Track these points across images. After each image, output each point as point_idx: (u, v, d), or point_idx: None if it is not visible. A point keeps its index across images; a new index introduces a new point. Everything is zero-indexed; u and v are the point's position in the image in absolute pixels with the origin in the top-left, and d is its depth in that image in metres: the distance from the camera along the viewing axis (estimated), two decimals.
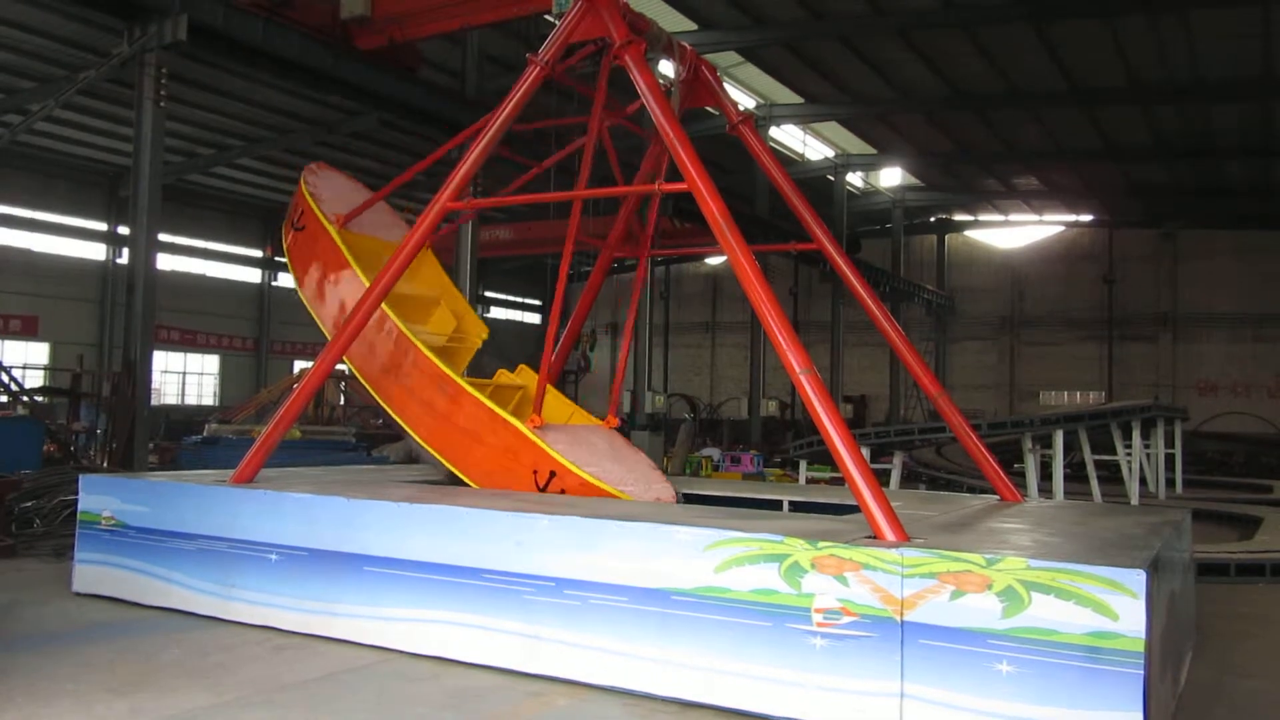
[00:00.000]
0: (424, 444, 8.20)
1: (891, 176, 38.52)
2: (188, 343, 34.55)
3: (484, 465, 7.90)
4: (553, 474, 7.60)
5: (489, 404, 7.96)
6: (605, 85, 8.58)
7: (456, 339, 9.76)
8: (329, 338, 8.63)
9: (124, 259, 23.38)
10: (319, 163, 10.13)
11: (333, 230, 8.84)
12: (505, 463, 7.79)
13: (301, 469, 10.19)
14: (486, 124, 8.20)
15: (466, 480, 8.04)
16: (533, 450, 7.70)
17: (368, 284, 8.30)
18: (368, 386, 8.60)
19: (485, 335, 10.00)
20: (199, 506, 7.50)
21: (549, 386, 8.98)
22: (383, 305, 8.23)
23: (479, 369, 10.95)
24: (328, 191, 9.38)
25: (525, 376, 9.77)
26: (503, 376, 9.80)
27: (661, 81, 8.91)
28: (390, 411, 8.44)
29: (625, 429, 10.29)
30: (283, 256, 35.46)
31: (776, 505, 8.36)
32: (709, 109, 9.98)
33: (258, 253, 36.96)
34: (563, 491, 7.57)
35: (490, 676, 5.93)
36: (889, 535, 5.47)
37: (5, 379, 16.04)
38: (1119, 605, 4.56)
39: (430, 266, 10.00)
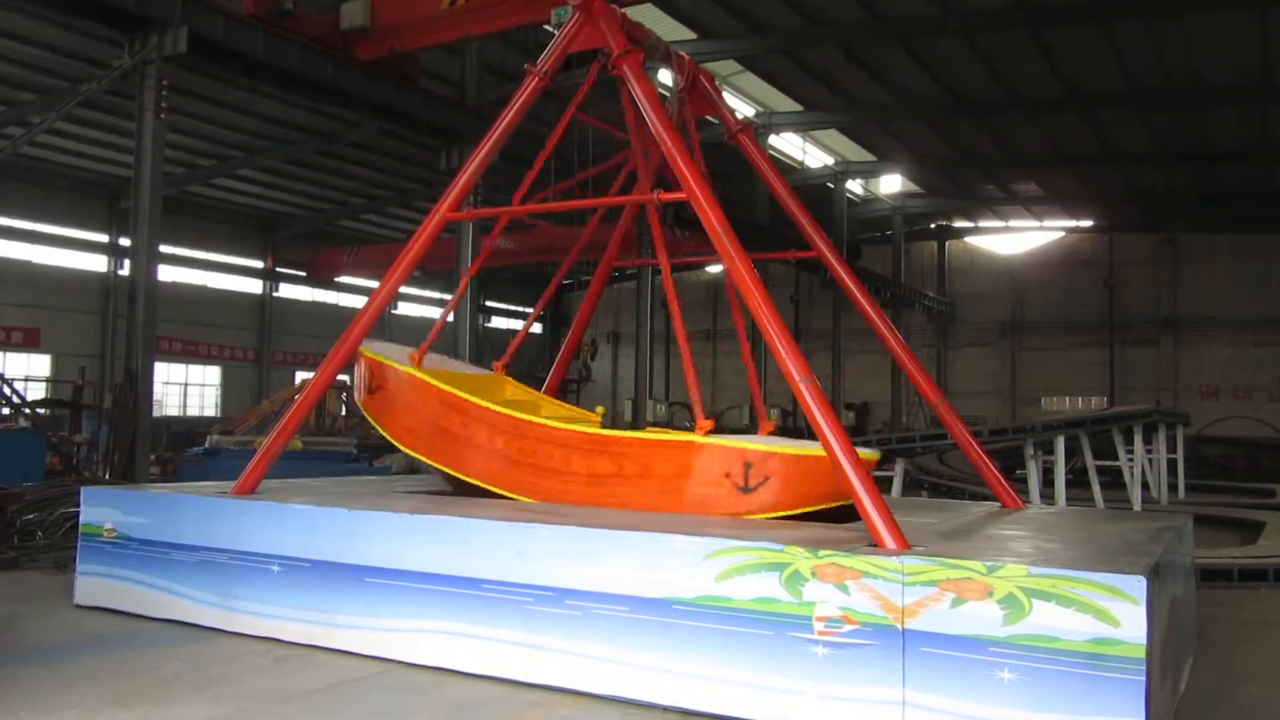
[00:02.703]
0: (610, 505, 7.47)
1: (891, 183, 38.58)
2: (189, 354, 34.56)
3: (673, 497, 7.27)
4: (748, 464, 7.01)
5: (659, 436, 7.62)
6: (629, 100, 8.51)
7: (577, 418, 9.15)
8: (458, 474, 8.17)
9: (125, 270, 23.37)
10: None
11: (415, 371, 8.50)
12: (692, 482, 7.19)
13: (303, 480, 10.20)
14: (487, 135, 8.22)
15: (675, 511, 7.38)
16: (718, 454, 7.16)
17: (471, 398, 8.04)
18: (506, 491, 7.90)
19: (602, 411, 9.41)
20: (201, 518, 7.51)
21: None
22: (491, 407, 7.97)
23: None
24: (385, 351, 9.16)
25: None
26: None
27: (664, 94, 8.94)
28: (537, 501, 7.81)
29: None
30: (283, 267, 35.29)
31: None
32: (708, 117, 9.99)
33: (259, 263, 36.97)
34: (766, 479, 6.96)
35: (492, 687, 5.93)
36: (890, 543, 5.47)
37: (7, 391, 16.07)
38: (1120, 612, 4.56)
39: (514, 387, 9.69)
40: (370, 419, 9.17)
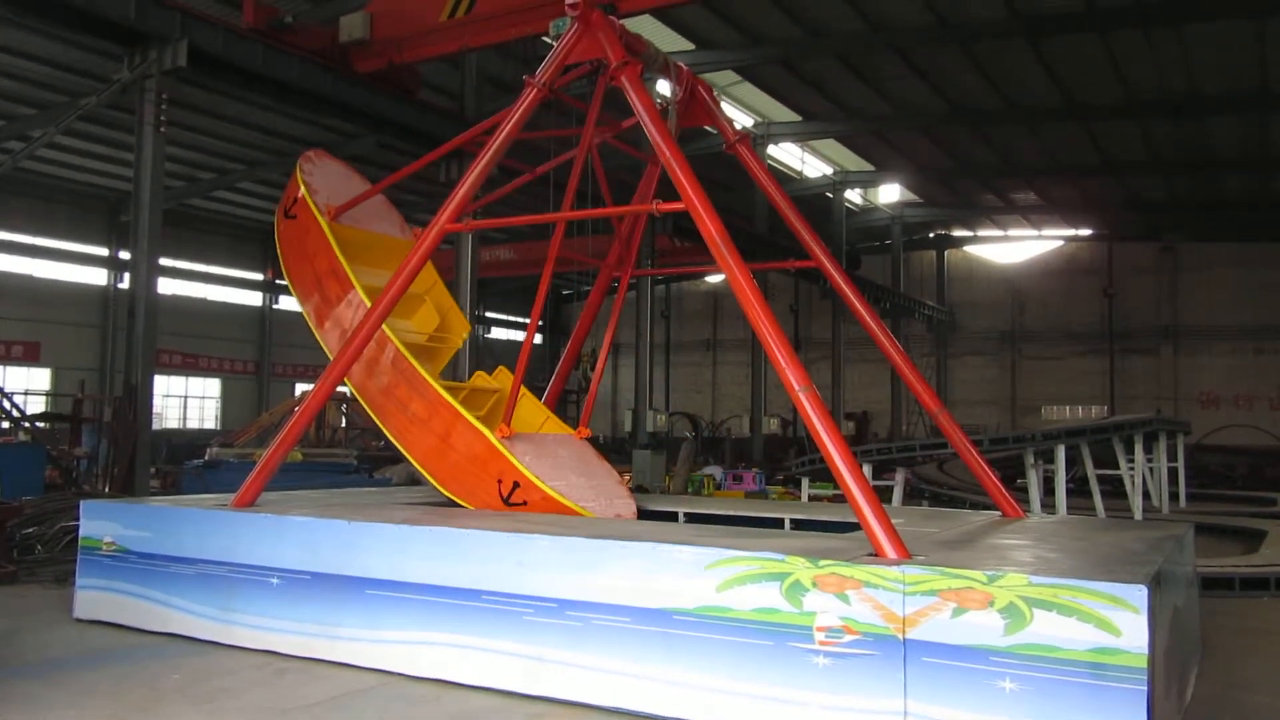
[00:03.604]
0: (400, 447, 8.19)
1: (890, 193, 38.61)
2: (189, 366, 34.57)
3: (454, 473, 7.92)
4: (516, 485, 7.60)
5: (461, 410, 7.95)
6: (598, 105, 8.61)
7: (438, 338, 9.68)
8: (314, 329, 8.66)
9: (125, 284, 23.41)
10: (317, 150, 10.10)
11: (324, 222, 8.78)
12: (473, 471, 7.79)
13: (303, 492, 10.19)
14: (485, 144, 8.24)
15: (438, 486, 8.05)
16: (499, 460, 7.71)
17: (354, 279, 8.36)
18: (349, 387, 8.59)
19: (467, 332, 9.95)
20: (200, 531, 7.49)
21: (524, 391, 8.98)
22: (364, 298, 8.31)
23: None
24: (323, 181, 9.33)
25: (502, 379, 9.70)
26: (479, 379, 9.76)
27: (658, 101, 8.96)
28: (369, 411, 8.44)
29: (597, 441, 10.38)
30: (284, 279, 35.53)
31: (778, 523, 8.36)
32: (706, 128, 10.02)
33: (259, 275, 37.01)
34: (524, 504, 7.57)
35: (491, 699, 5.91)
36: (890, 553, 5.46)
37: (7, 405, 16.06)
38: (1121, 621, 4.55)
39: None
40: (276, 242, 9.29)
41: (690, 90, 9.01)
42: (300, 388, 36.52)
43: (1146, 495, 16.89)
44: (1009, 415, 41.41)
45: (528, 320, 52.04)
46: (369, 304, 8.28)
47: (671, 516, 8.60)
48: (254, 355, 37.32)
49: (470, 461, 7.81)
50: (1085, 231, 41.04)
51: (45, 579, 9.63)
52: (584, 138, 8.68)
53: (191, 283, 34.48)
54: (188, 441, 27.85)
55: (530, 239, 33.13)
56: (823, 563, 5.26)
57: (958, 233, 43.29)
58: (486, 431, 7.78)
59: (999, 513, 8.49)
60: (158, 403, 29.93)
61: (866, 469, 14.36)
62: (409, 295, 9.53)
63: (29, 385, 29.86)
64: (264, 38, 15.45)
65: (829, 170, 33.98)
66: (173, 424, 34.27)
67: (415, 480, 13.10)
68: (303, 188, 9.06)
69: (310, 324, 8.91)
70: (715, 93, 9.49)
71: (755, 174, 9.37)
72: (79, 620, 7.88)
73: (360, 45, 16.53)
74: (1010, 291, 42.70)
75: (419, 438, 8.07)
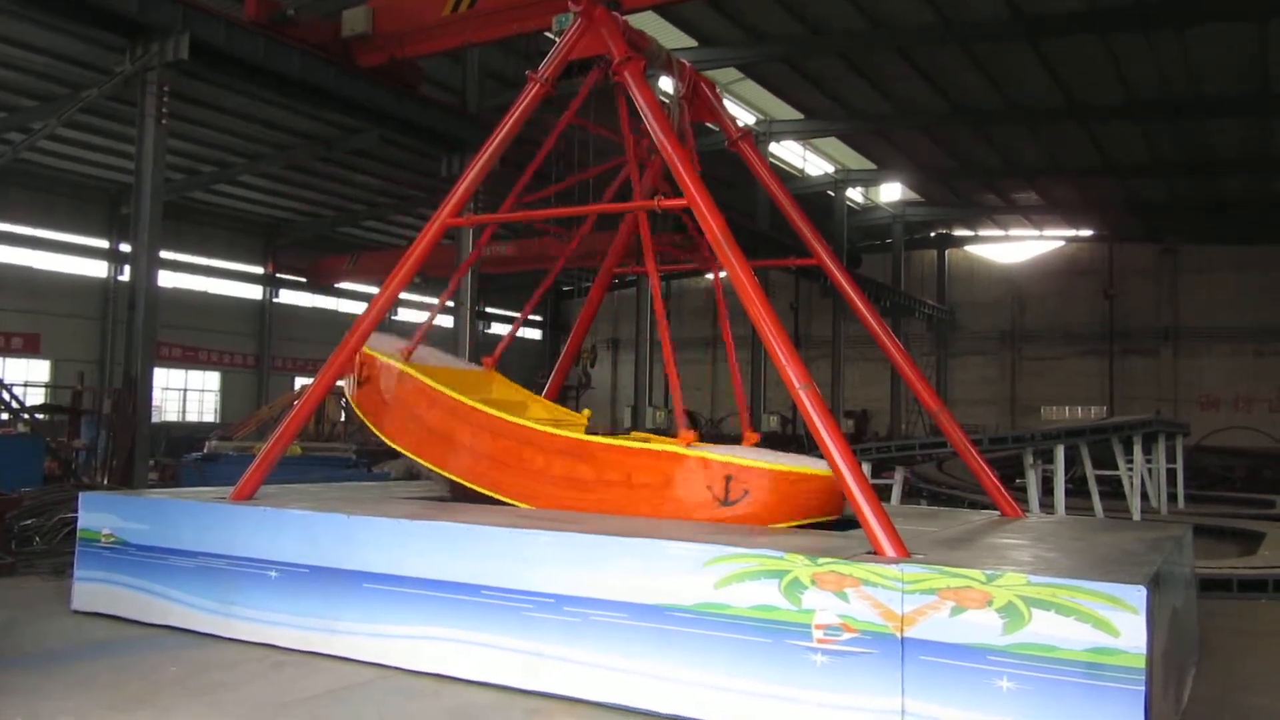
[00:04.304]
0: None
1: (892, 192, 38.63)
2: (189, 359, 34.54)
3: (648, 507, 7.37)
4: (729, 479, 7.07)
5: (637, 443, 7.67)
6: (625, 108, 8.52)
7: (563, 421, 9.37)
8: (431, 466, 8.34)
9: (125, 276, 23.38)
10: None
11: (401, 366, 8.65)
12: (673, 491, 7.32)
13: (302, 486, 10.18)
14: (487, 142, 8.23)
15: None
16: (701, 467, 7.23)
17: (452, 393, 8.18)
18: (486, 489, 8.04)
19: (587, 417, 9.69)
20: (199, 524, 7.49)
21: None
22: (487, 408, 8.07)
23: None
24: (376, 345, 9.24)
25: (637, 435, 9.28)
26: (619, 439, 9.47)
27: (662, 99, 8.95)
28: (516, 501, 7.91)
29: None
30: (284, 273, 35.40)
31: None
32: (709, 125, 10.03)
33: (259, 269, 36.97)
34: (746, 493, 7.02)
35: (489, 694, 5.91)
36: (889, 551, 5.46)
37: (6, 397, 16.05)
38: (1119, 621, 4.55)
39: (502, 384, 9.79)
40: (359, 414, 9.17)
41: (693, 87, 9.00)
42: (300, 381, 36.46)
43: (1145, 496, 16.88)
44: (1008, 415, 41.43)
45: (530, 316, 51.99)
46: (493, 412, 8.03)
47: None
48: (254, 348, 37.28)
49: (665, 487, 7.34)
50: (1086, 232, 41.08)
51: (43, 571, 9.63)
52: (628, 144, 8.63)
53: (192, 275, 34.42)
54: (187, 434, 27.78)
55: (531, 235, 33.05)
56: (821, 560, 5.25)
57: (959, 232, 43.32)
58: (676, 447, 7.37)
59: (998, 512, 8.49)
60: (157, 395, 29.93)
61: (866, 467, 14.36)
62: (515, 403, 9.21)
63: (28, 377, 29.82)
64: (266, 31, 15.46)
65: (831, 168, 33.99)
66: (172, 417, 34.24)
67: (414, 475, 13.06)
68: (368, 351, 8.76)
69: (418, 459, 8.52)
70: (717, 89, 9.48)
71: (757, 171, 9.37)
72: (77, 612, 7.87)
73: (362, 39, 16.53)
74: (1011, 291, 42.73)
75: (602, 495, 7.56)
